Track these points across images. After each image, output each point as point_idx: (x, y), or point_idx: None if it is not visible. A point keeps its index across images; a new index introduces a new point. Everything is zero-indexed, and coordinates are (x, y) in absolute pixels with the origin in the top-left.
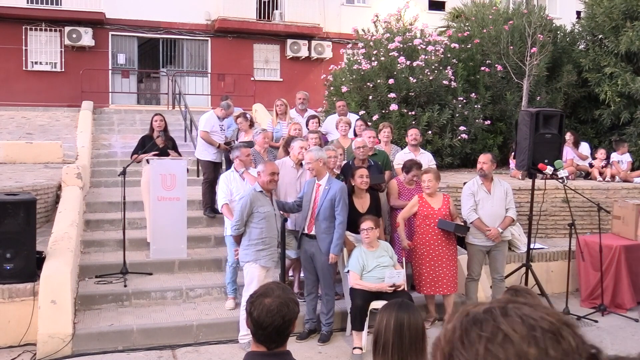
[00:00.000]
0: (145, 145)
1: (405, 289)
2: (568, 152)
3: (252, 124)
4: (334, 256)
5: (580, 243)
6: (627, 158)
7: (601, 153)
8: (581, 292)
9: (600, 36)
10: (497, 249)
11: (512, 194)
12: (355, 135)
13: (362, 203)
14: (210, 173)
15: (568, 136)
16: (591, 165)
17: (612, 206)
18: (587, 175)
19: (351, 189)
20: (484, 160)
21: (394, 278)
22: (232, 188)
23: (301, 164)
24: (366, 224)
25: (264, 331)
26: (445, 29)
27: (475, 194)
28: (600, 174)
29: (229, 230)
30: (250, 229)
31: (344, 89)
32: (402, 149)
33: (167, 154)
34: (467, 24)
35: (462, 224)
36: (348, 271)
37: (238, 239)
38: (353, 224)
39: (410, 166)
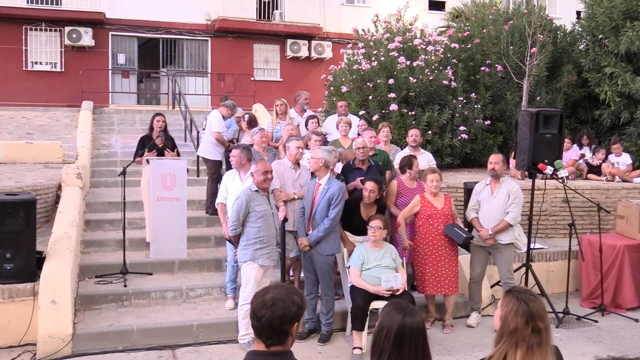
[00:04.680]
0: (145, 145)
1: (406, 289)
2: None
3: (253, 124)
4: (303, 239)
5: (584, 242)
6: (627, 160)
7: (601, 153)
8: (582, 292)
9: (600, 36)
10: (496, 250)
11: (519, 196)
12: (359, 135)
13: (368, 207)
14: (217, 172)
15: (584, 139)
16: (590, 166)
17: (612, 206)
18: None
19: (360, 197)
20: (495, 160)
21: (391, 282)
22: (230, 186)
23: (299, 164)
24: (375, 223)
25: (257, 322)
26: (445, 29)
27: (479, 194)
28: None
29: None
30: (248, 228)
31: (344, 89)
32: (402, 149)
33: (164, 154)
34: (467, 24)
35: (467, 230)
36: (349, 267)
37: (236, 240)
38: (355, 227)
39: (408, 164)
